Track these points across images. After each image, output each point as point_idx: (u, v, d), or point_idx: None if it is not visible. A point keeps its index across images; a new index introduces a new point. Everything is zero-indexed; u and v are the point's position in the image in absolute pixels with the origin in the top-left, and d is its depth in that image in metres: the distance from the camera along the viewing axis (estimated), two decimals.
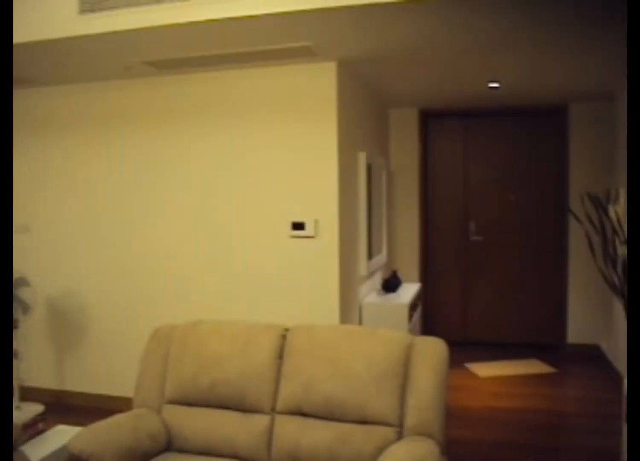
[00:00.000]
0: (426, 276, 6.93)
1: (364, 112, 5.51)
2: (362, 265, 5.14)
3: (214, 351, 3.11)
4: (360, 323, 5.08)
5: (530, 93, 6.01)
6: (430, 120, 6.94)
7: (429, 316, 6.94)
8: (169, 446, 3.09)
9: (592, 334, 6.51)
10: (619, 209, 4.03)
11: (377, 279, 5.86)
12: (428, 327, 6.88)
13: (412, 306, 5.41)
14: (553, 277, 6.74)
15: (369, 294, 5.47)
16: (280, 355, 3.06)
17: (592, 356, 6.42)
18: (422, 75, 5.14)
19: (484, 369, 6.02)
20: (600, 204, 4.03)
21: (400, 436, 2.77)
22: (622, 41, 3.98)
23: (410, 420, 2.76)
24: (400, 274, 6.33)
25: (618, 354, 5.61)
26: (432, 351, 2.88)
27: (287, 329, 3.14)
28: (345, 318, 4.67)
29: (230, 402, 3.05)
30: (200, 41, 3.93)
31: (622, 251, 3.95)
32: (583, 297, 6.48)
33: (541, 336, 6.81)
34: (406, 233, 6.84)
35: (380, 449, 2.72)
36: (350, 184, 4.87)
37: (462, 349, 6.72)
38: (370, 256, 5.42)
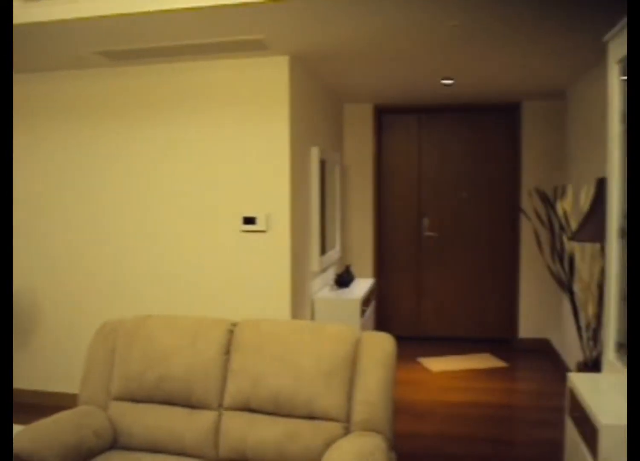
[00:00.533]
0: (380, 271, 6.95)
1: (318, 107, 5.50)
2: (315, 260, 5.13)
3: (162, 347, 3.07)
4: (312, 318, 5.07)
5: (483, 91, 6.06)
6: (385, 116, 6.96)
7: (382, 312, 6.97)
8: (115, 443, 3.04)
9: (542, 328, 6.60)
10: (566, 205, 4.08)
11: (331, 275, 5.86)
12: (382, 322, 6.91)
13: (365, 302, 5.42)
14: (505, 273, 6.82)
15: (322, 289, 5.46)
16: (227, 351, 3.02)
17: (543, 350, 6.52)
18: (376, 71, 5.13)
19: (437, 364, 6.07)
20: (547, 201, 4.08)
21: (348, 431, 2.76)
22: (573, 41, 4.03)
23: (358, 415, 2.75)
24: (354, 270, 6.35)
25: (566, 348, 5.70)
26: (380, 346, 2.86)
27: (235, 324, 3.11)
28: (297, 313, 4.65)
29: (177, 398, 3.01)
30: (151, 32, 3.86)
31: (568, 246, 4.01)
32: (534, 292, 6.56)
33: (494, 331, 6.89)
34: (360, 228, 6.85)
35: (328, 445, 2.70)
36: (302, 179, 4.85)
37: (416, 344, 6.77)
38: (323, 251, 5.41)
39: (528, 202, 6.35)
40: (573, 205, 4.18)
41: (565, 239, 4.13)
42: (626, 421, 2.32)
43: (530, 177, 6.45)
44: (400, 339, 6.80)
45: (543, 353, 6.46)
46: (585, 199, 3.95)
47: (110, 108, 4.79)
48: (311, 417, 2.79)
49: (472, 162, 6.82)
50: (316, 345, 2.85)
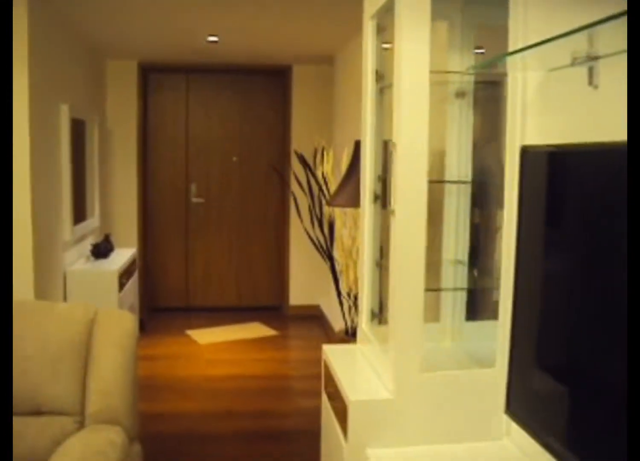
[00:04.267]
0: (146, 240, 6.53)
1: (71, 60, 4.96)
2: (66, 230, 4.64)
3: None
4: (64, 294, 4.60)
5: (251, 52, 5.85)
6: (152, 75, 6.50)
7: (149, 283, 6.57)
8: None
9: (312, 294, 6.60)
10: (326, 169, 3.97)
11: (89, 245, 5.37)
12: (148, 294, 6.51)
13: (125, 273, 5.04)
14: (275, 239, 6.73)
15: (77, 261, 4.98)
16: None
17: (314, 316, 6.51)
18: (138, 23, 4.73)
19: (205, 336, 5.83)
20: (306, 164, 3.94)
21: (81, 425, 2.42)
22: (339, 5, 3.92)
23: (93, 406, 2.41)
24: (114, 239, 5.87)
25: (334, 314, 5.70)
26: (118, 325, 2.54)
27: None
28: (44, 289, 4.16)
29: None
30: None
31: (328, 211, 3.92)
32: (303, 258, 6.51)
33: (264, 299, 6.79)
34: (124, 194, 6.37)
35: (57, 442, 2.34)
36: (48, 139, 4.33)
37: (184, 316, 6.50)
38: (79, 219, 4.94)
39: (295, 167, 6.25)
40: (334, 169, 4.08)
41: (324, 202, 4.03)
42: (373, 397, 2.22)
43: (299, 141, 6.32)
44: (169, 311, 6.58)
45: (314, 319, 6.46)
46: (345, 163, 3.87)
47: None
48: (38, 413, 2.41)
49: (243, 125, 6.60)
50: (43, 328, 2.47)
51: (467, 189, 2.70)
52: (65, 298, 4.59)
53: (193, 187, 6.59)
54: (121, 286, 4.81)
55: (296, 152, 4.39)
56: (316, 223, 4.25)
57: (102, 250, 5.14)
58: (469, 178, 2.68)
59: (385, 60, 2.61)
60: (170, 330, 6.00)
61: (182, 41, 5.42)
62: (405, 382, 2.16)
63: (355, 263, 3.78)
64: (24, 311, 2.52)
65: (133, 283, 5.45)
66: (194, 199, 6.60)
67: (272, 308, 6.76)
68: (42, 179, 4.17)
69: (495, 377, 2.19)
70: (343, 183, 3.21)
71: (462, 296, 2.75)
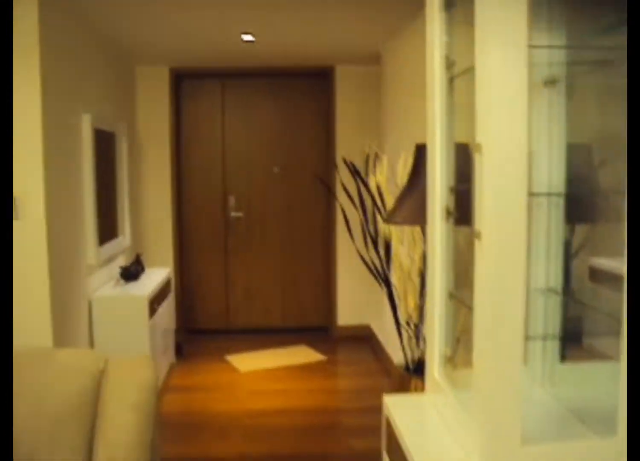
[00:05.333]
0: (182, 258, 6.09)
1: (95, 66, 4.56)
2: (92, 252, 4.21)
3: None
4: (90, 323, 4.17)
5: (290, 52, 5.42)
6: (185, 81, 6.08)
7: (187, 304, 6.12)
8: None
9: (362, 314, 6.09)
10: (380, 179, 3.46)
11: (118, 267, 4.94)
12: (185, 317, 6.07)
13: (157, 297, 4.59)
14: (321, 256, 6.23)
15: (105, 285, 4.55)
16: None
17: (364, 337, 5.99)
18: (168, 24, 4.36)
19: (247, 362, 5.35)
20: (358, 174, 3.43)
21: None
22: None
23: None
24: (148, 258, 5.44)
25: (389, 338, 5.18)
26: (132, 377, 2.07)
27: None
28: (64, 320, 3.73)
29: None
30: None
31: (384, 228, 3.40)
32: (352, 275, 5.99)
33: (310, 319, 6.30)
34: (156, 210, 5.94)
35: None
36: (68, 152, 3.91)
37: (224, 339, 6.03)
38: (106, 238, 4.52)
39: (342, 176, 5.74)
40: (389, 178, 3.56)
41: (379, 219, 3.51)
42: None
43: (345, 148, 5.80)
44: (208, 333, 6.12)
45: (363, 341, 5.95)
46: (402, 171, 3.36)
47: None
48: None
49: (284, 133, 6.14)
50: (40, 383, 2.01)
51: (559, 202, 2.17)
52: (90, 329, 4.17)
53: (232, 201, 6.13)
54: (152, 311, 4.37)
55: (345, 161, 3.87)
56: (369, 242, 3.72)
57: (132, 272, 4.70)
58: (562, 189, 2.15)
59: (455, 43, 2.10)
60: (209, 355, 5.54)
61: (216, 42, 5.01)
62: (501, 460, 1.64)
63: (415, 287, 3.26)
64: (19, 361, 2.06)
65: (167, 306, 5.00)
66: (233, 213, 6.14)
67: (319, 328, 6.26)
68: (62, 195, 3.75)
69: (619, 450, 1.66)
70: (403, 196, 2.70)
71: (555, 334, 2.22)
